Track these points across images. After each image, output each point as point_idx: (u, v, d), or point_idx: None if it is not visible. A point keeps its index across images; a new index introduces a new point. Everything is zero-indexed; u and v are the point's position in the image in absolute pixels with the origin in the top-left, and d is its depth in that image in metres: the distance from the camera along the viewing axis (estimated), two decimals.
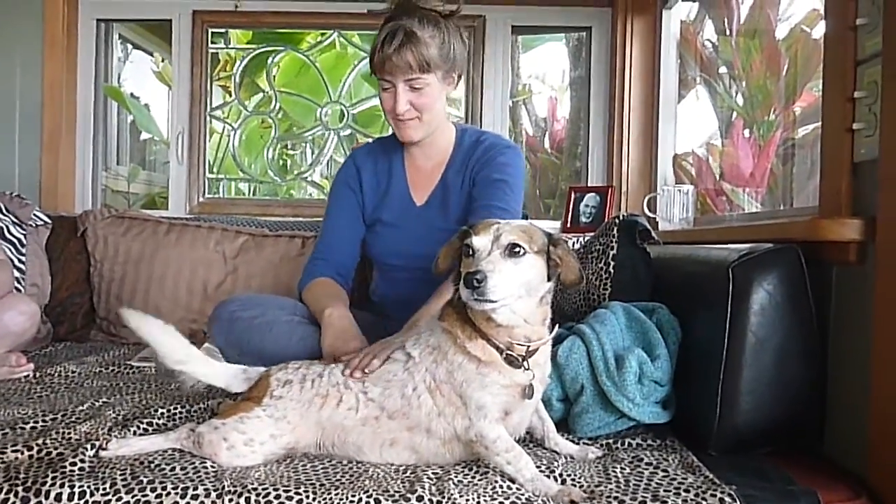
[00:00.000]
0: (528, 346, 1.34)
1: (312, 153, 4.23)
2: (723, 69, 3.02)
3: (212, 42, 3.50)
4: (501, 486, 1.25)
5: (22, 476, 1.23)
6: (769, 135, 2.69)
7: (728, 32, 2.92)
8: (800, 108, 2.55)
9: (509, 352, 1.33)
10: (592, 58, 3.41)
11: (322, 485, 1.24)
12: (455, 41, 1.84)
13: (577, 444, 1.51)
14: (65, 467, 1.26)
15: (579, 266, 1.37)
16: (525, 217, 2.79)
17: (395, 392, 1.37)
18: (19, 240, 2.68)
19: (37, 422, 1.53)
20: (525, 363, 1.34)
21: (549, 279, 1.35)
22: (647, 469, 1.36)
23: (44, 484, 1.21)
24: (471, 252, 1.30)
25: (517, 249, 1.28)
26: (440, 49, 1.80)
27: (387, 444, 1.37)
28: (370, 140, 2.17)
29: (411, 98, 1.82)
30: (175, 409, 1.62)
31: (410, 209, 1.97)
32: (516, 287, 1.28)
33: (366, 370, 1.42)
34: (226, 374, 1.49)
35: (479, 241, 1.29)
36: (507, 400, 1.34)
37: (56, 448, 1.36)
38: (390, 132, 1.99)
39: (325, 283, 1.91)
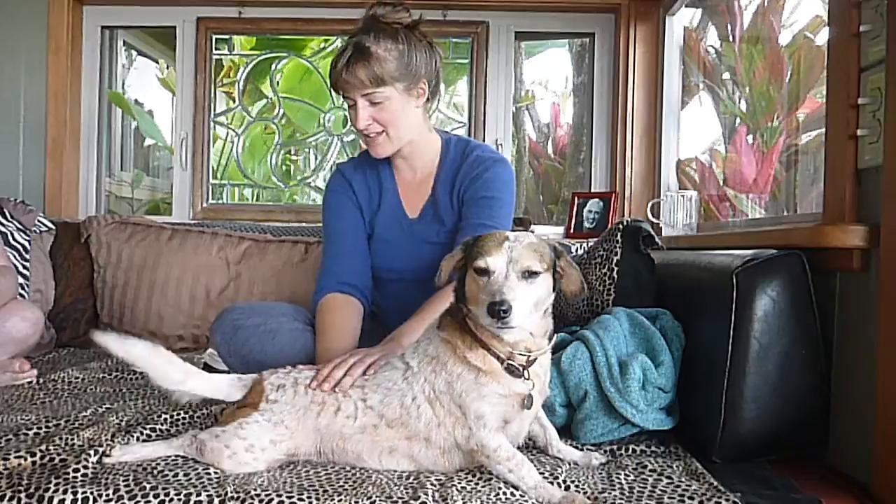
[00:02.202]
0: (529, 357, 1.34)
1: (316, 159, 4.22)
2: (726, 75, 3.02)
3: (215, 48, 3.51)
4: (505, 493, 1.25)
5: (25, 482, 1.23)
6: (772, 141, 2.69)
7: (731, 39, 2.92)
8: (803, 115, 2.55)
9: (510, 362, 1.33)
10: (595, 64, 3.42)
11: (325, 491, 1.24)
12: (417, 52, 1.80)
13: (581, 450, 1.51)
14: (68, 473, 1.26)
15: (581, 277, 1.37)
16: (528, 223, 2.80)
17: (395, 401, 1.37)
18: (23, 246, 2.69)
19: (40, 428, 1.53)
20: (525, 373, 1.34)
21: (553, 290, 1.35)
22: (651, 476, 1.35)
23: (46, 490, 1.21)
24: (485, 272, 1.28)
25: (532, 271, 1.27)
26: (398, 61, 1.77)
27: (385, 452, 1.37)
28: (354, 155, 2.15)
29: (372, 113, 1.79)
30: (178, 415, 1.61)
31: (403, 222, 1.94)
32: (531, 307, 1.29)
33: (333, 385, 1.41)
34: (223, 386, 1.48)
35: (495, 263, 1.27)
36: (505, 410, 1.34)
37: (59, 454, 1.36)
38: None
39: (337, 305, 1.85)
